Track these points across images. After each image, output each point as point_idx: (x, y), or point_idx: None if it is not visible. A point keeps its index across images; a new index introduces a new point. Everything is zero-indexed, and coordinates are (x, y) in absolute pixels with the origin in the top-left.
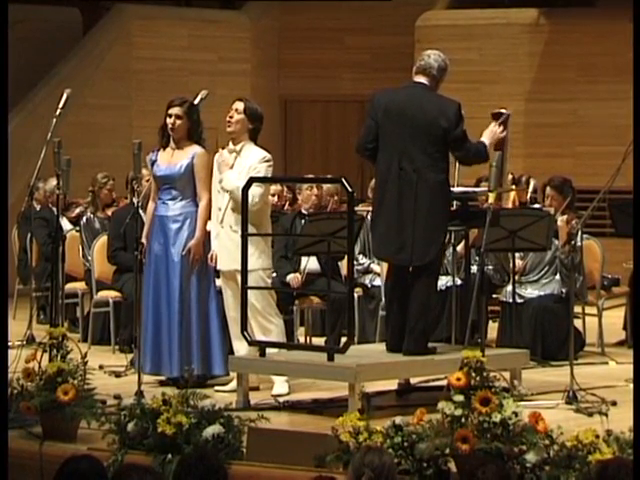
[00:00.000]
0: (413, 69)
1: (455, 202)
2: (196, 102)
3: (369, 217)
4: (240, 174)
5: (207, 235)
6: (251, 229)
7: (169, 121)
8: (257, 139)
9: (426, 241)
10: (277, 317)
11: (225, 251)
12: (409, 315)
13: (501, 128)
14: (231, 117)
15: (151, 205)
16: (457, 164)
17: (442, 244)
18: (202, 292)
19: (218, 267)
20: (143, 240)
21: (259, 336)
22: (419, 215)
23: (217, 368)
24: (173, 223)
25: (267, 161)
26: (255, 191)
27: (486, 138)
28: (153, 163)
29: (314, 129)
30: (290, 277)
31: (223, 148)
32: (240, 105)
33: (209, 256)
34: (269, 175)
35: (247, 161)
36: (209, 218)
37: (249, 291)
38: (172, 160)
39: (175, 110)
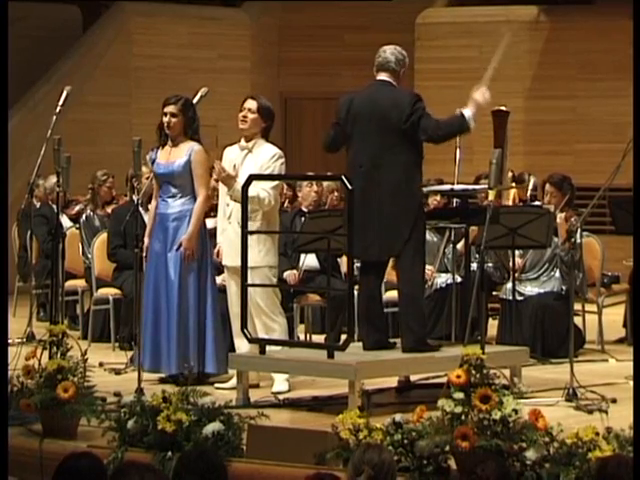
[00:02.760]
0: (374, 69)
1: (455, 200)
2: (196, 99)
3: None
4: (252, 172)
5: (205, 231)
6: (261, 226)
7: (165, 120)
8: (269, 136)
9: (393, 236)
10: (281, 316)
11: (231, 247)
12: (400, 313)
13: (487, 95)
14: (245, 116)
15: (154, 203)
16: (457, 162)
17: (416, 234)
18: (200, 289)
19: (223, 262)
20: (146, 238)
21: (262, 335)
22: (384, 211)
23: (209, 366)
24: (172, 221)
25: (279, 158)
26: (270, 192)
27: (470, 107)
28: (154, 162)
29: (314, 126)
30: (287, 274)
31: (232, 144)
32: (253, 104)
33: (215, 251)
34: (283, 172)
35: (259, 158)
36: (206, 215)
37: (254, 291)
38: (170, 158)
39: (170, 108)
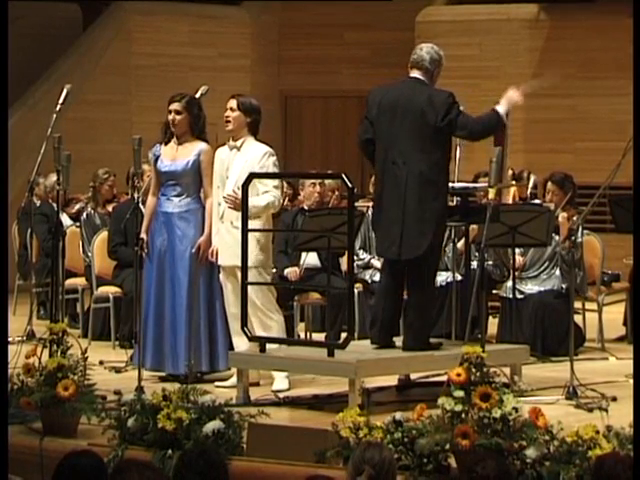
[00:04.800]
0: (408, 65)
1: (455, 198)
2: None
3: (370, 213)
4: (241, 170)
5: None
6: (255, 225)
7: (169, 117)
8: (258, 131)
9: (416, 235)
10: (277, 313)
11: (225, 247)
12: (407, 310)
13: (519, 92)
14: (227, 116)
15: (151, 199)
16: (457, 160)
17: (436, 238)
18: (209, 289)
19: (219, 262)
20: (143, 235)
21: (259, 332)
22: (408, 209)
23: (222, 363)
24: (179, 220)
25: (271, 156)
26: (276, 193)
27: (503, 105)
28: (157, 158)
29: (314, 125)
30: (288, 270)
31: (223, 144)
32: (233, 103)
33: (210, 251)
34: (276, 168)
35: (248, 156)
36: None
37: (249, 288)
38: (177, 156)
39: (174, 106)
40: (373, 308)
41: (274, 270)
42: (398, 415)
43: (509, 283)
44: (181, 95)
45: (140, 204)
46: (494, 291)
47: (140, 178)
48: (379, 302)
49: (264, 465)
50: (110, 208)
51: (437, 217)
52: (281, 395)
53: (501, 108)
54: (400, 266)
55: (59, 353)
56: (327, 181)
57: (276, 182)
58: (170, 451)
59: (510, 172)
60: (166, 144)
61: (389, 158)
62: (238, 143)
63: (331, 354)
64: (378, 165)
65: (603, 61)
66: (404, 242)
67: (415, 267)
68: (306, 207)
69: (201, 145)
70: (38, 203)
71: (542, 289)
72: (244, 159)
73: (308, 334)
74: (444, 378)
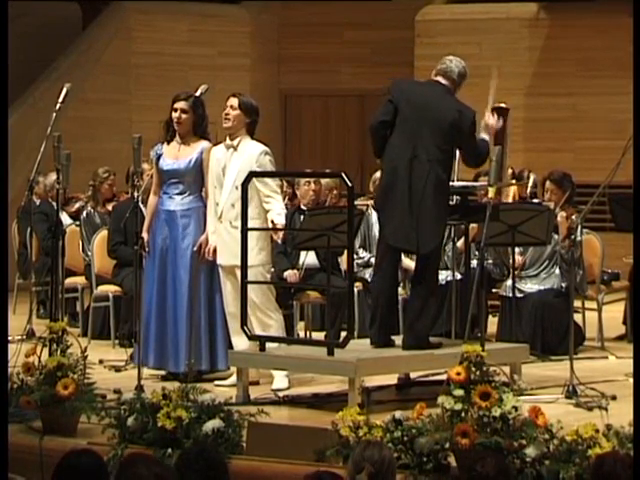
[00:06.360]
0: (433, 71)
1: (455, 197)
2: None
3: (369, 211)
4: (239, 169)
5: None
6: (254, 224)
7: (174, 115)
8: (254, 132)
9: (430, 231)
10: (276, 312)
11: (224, 246)
12: (408, 310)
13: (495, 118)
14: (227, 114)
15: (153, 198)
16: (457, 159)
17: (442, 238)
18: (209, 287)
19: (218, 262)
20: (144, 234)
21: (259, 331)
22: (424, 205)
23: (221, 363)
24: (182, 218)
25: (266, 154)
26: (280, 199)
27: (484, 135)
28: (159, 157)
29: (314, 124)
30: (287, 273)
31: (219, 143)
32: (235, 101)
33: (207, 249)
34: (273, 167)
35: (245, 155)
36: None
37: (248, 287)
38: (179, 155)
39: (180, 104)
40: (370, 307)
41: (272, 270)
42: (398, 414)
43: (509, 282)
44: (186, 94)
45: (140, 203)
46: (494, 290)
47: (140, 177)
48: (375, 301)
49: (264, 464)
50: (110, 207)
51: (445, 218)
52: (281, 394)
53: (486, 137)
54: (396, 263)
55: (59, 352)
56: (324, 180)
57: (277, 182)
58: (170, 450)
59: (510, 171)
60: (168, 143)
61: (410, 151)
62: (235, 142)
63: (331, 353)
64: (394, 155)
65: (603, 60)
66: (419, 237)
67: (423, 268)
68: (303, 206)
69: (204, 144)
70: (38, 202)
71: (542, 288)
72: (241, 158)
73: (308, 333)
74: (444, 377)
